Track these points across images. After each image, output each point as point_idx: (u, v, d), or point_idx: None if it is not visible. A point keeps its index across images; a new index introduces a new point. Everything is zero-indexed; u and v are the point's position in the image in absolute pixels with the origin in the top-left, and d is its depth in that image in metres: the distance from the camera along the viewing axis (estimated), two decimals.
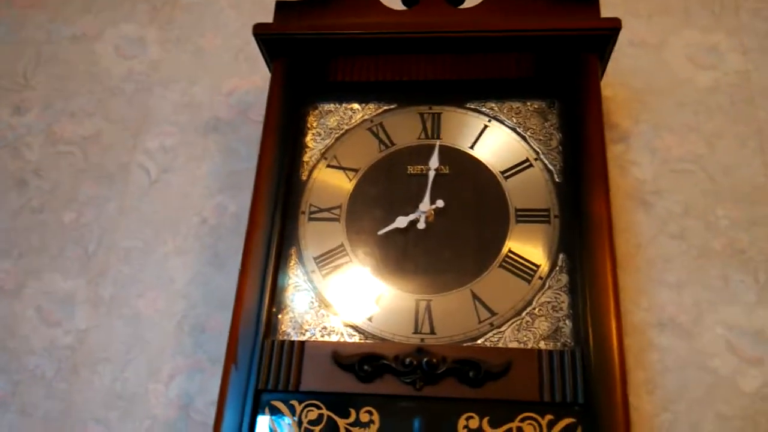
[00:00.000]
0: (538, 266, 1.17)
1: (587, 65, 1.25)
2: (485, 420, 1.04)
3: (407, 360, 1.07)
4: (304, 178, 1.29)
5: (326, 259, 1.22)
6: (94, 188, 1.56)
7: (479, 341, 1.12)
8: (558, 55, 1.27)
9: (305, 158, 1.31)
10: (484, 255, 1.18)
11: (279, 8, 1.35)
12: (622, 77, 1.52)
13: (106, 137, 1.62)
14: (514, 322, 1.13)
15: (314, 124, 1.34)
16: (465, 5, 1.33)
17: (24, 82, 1.72)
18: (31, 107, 1.68)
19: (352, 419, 1.06)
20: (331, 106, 1.35)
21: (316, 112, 1.35)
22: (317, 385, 1.08)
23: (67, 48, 1.75)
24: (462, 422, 1.04)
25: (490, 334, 1.12)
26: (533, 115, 1.29)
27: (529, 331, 1.12)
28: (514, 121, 1.29)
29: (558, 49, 1.26)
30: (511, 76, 1.28)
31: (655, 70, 1.53)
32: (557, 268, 1.16)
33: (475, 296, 1.15)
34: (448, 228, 1.21)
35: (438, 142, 1.28)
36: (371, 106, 1.34)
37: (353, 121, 1.34)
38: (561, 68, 1.27)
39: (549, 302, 1.14)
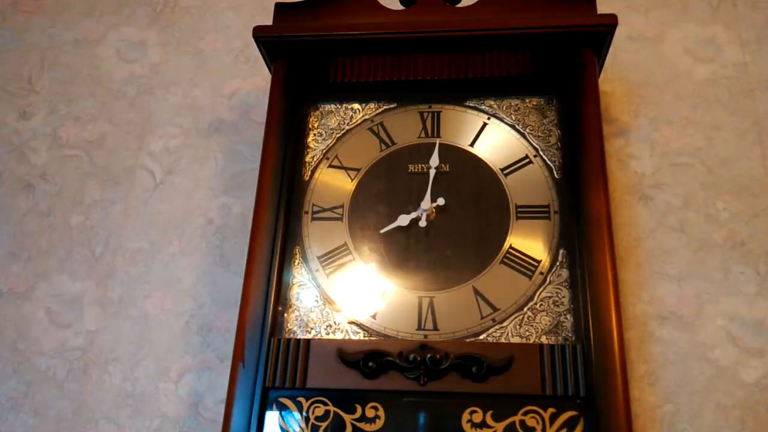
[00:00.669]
0: (538, 262, 1.18)
1: (584, 61, 1.26)
2: (489, 414, 1.06)
3: (411, 356, 1.09)
4: (306, 178, 1.31)
5: (330, 257, 1.24)
6: (100, 191, 1.58)
7: (482, 337, 1.13)
8: (555, 52, 1.28)
9: (307, 158, 1.33)
10: (486, 251, 1.20)
11: (278, 10, 1.37)
12: (620, 72, 1.53)
13: (110, 140, 1.64)
14: (515, 318, 1.14)
15: (315, 125, 1.36)
16: (462, 4, 1.34)
17: (29, 86, 1.74)
18: (36, 112, 1.70)
19: (358, 415, 1.09)
20: (332, 107, 1.37)
21: (317, 112, 1.37)
22: (323, 381, 1.10)
23: (70, 52, 1.77)
24: (466, 416, 1.06)
25: (492, 329, 1.14)
26: (532, 112, 1.30)
27: (531, 326, 1.14)
28: (513, 118, 1.30)
29: (555, 46, 1.28)
30: (510, 74, 1.29)
31: (654, 64, 1.54)
32: (558, 264, 1.18)
33: (477, 292, 1.17)
34: (449, 225, 1.23)
35: (438, 141, 1.29)
36: (371, 105, 1.36)
37: (354, 121, 1.35)
38: (559, 65, 1.28)
39: (550, 297, 1.15)
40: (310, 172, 1.31)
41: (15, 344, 1.45)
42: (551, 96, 1.31)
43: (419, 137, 1.32)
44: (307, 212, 1.28)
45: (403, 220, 1.23)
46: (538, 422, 1.05)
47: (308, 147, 1.34)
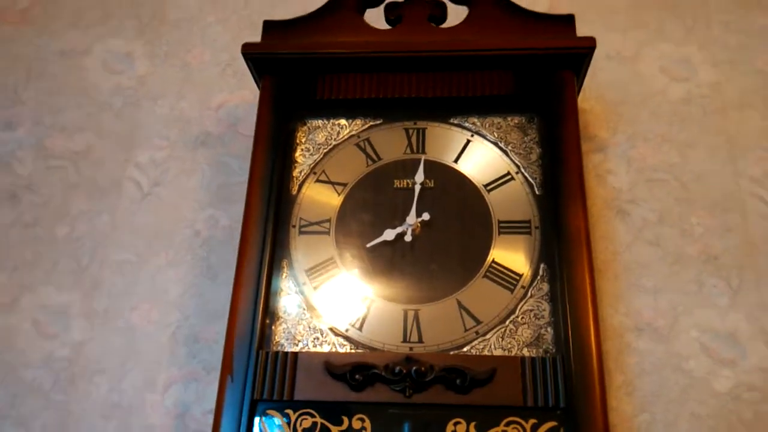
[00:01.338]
0: (520, 276, 1.22)
1: (564, 82, 1.31)
2: (472, 425, 1.09)
3: (397, 368, 1.11)
4: (294, 192, 1.33)
5: (317, 271, 1.26)
6: (86, 202, 1.59)
7: (465, 349, 1.17)
8: (536, 73, 1.32)
9: (295, 173, 1.35)
10: (469, 265, 1.23)
11: (266, 27, 1.39)
12: (599, 90, 1.58)
13: (96, 152, 1.65)
14: (498, 330, 1.18)
15: (303, 140, 1.38)
16: (446, 24, 1.38)
17: (14, 96, 1.74)
18: (21, 122, 1.70)
19: (345, 426, 1.11)
20: (319, 122, 1.40)
21: (305, 128, 1.39)
22: (311, 394, 1.13)
23: (56, 63, 1.77)
24: (450, 427, 1.09)
25: (475, 341, 1.17)
26: (514, 130, 1.34)
27: (513, 338, 1.17)
28: (496, 135, 1.34)
29: (536, 67, 1.32)
30: (492, 93, 1.32)
31: (631, 83, 1.59)
32: (539, 278, 1.21)
33: (460, 305, 1.20)
34: (434, 240, 1.26)
35: (423, 157, 1.33)
36: (358, 121, 1.39)
37: (341, 136, 1.38)
38: (539, 85, 1.32)
39: (531, 310, 1.19)
40: (297, 186, 1.34)
41: (1, 355, 1.45)
42: (532, 115, 1.35)
43: (405, 153, 1.35)
44: (294, 226, 1.30)
45: (389, 234, 1.26)
46: None
47: (296, 162, 1.36)
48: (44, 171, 1.64)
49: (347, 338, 1.20)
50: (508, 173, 1.31)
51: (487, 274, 1.22)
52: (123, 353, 1.43)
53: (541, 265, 1.22)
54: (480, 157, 1.33)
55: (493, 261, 1.23)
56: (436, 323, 1.19)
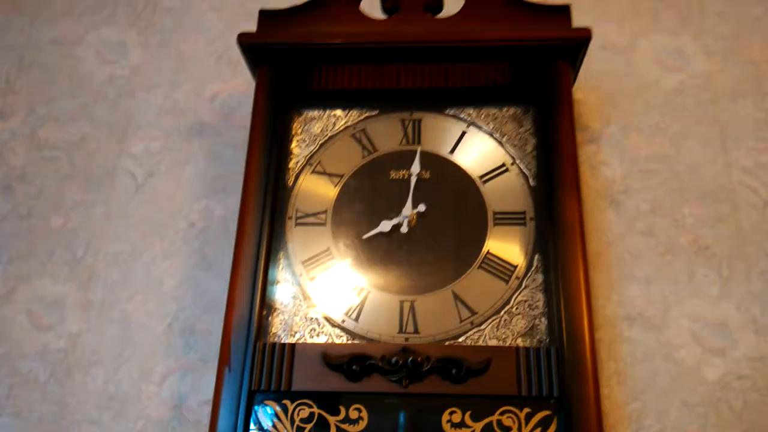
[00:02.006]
0: (515, 267, 1.23)
1: (559, 73, 1.31)
2: (467, 414, 1.11)
3: (393, 359, 1.12)
4: (290, 183, 1.33)
5: (313, 262, 1.27)
6: (80, 193, 1.59)
7: (461, 339, 1.18)
8: (532, 64, 1.33)
9: (291, 164, 1.35)
10: (465, 257, 1.24)
11: (262, 17, 1.39)
12: (593, 80, 1.58)
13: (90, 142, 1.64)
14: (493, 321, 1.19)
15: (299, 131, 1.38)
16: (443, 15, 1.38)
17: (6, 86, 1.72)
18: (14, 112, 1.69)
19: (341, 416, 1.12)
20: (315, 113, 1.40)
21: (301, 118, 1.39)
22: (308, 385, 1.14)
23: (49, 52, 1.76)
24: (446, 417, 1.11)
25: (471, 332, 1.19)
26: (509, 121, 1.35)
27: (507, 328, 1.18)
28: (491, 126, 1.35)
29: (532, 57, 1.32)
30: (488, 84, 1.33)
31: (625, 73, 1.59)
32: (533, 268, 1.23)
33: (456, 296, 1.21)
34: (429, 231, 1.27)
35: (419, 148, 1.33)
36: (354, 112, 1.39)
37: (337, 127, 1.38)
38: (535, 76, 1.32)
39: (526, 301, 1.20)
40: (293, 177, 1.34)
41: None
42: (528, 105, 1.35)
43: (401, 144, 1.35)
44: (290, 217, 1.30)
45: (385, 226, 1.27)
46: (514, 422, 1.10)
47: (292, 153, 1.36)
48: (38, 161, 1.63)
49: (344, 329, 1.21)
50: (504, 164, 1.31)
51: (482, 265, 1.23)
52: (119, 344, 1.43)
53: (536, 256, 1.23)
54: (475, 148, 1.33)
55: (488, 252, 1.24)
56: (432, 314, 1.20)
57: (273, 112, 1.34)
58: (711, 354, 1.33)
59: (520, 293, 1.21)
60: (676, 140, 1.51)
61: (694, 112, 1.54)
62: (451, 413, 1.11)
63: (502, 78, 1.33)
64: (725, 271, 1.39)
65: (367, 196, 1.31)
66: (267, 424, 1.12)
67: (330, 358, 1.14)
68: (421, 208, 1.27)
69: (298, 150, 1.37)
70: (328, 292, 1.24)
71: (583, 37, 1.29)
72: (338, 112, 1.39)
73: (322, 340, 1.20)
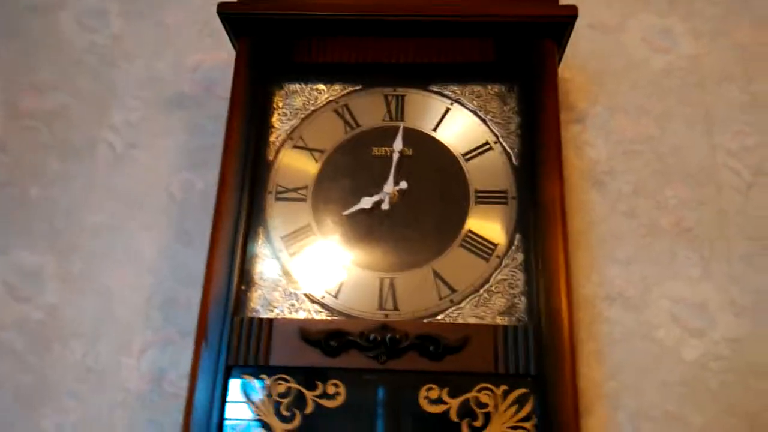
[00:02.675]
0: (495, 245, 1.23)
1: (545, 51, 1.30)
2: (444, 391, 1.11)
3: (372, 336, 1.12)
4: (270, 158, 1.32)
5: (293, 238, 1.26)
6: (59, 163, 1.56)
7: (440, 317, 1.18)
8: (517, 41, 1.31)
9: (272, 138, 1.33)
10: (445, 234, 1.24)
11: None
12: (581, 59, 1.56)
13: (70, 112, 1.61)
14: (472, 299, 1.19)
15: (280, 105, 1.36)
16: None
17: None
18: None
19: (319, 392, 1.12)
20: (297, 87, 1.37)
21: (282, 92, 1.37)
22: (286, 360, 1.13)
23: (28, 19, 1.71)
24: (423, 393, 1.11)
25: (450, 310, 1.18)
26: (493, 99, 1.34)
27: (487, 306, 1.18)
28: (475, 104, 1.33)
29: (517, 34, 1.30)
30: (473, 60, 1.31)
31: (612, 53, 1.58)
32: (513, 247, 1.22)
33: (436, 274, 1.21)
34: (411, 208, 1.26)
35: (402, 124, 1.32)
36: (336, 87, 1.37)
37: (319, 102, 1.36)
38: (520, 53, 1.31)
39: (505, 280, 1.20)
40: (274, 152, 1.32)
41: None
42: (512, 83, 1.34)
43: (384, 120, 1.34)
44: (270, 192, 1.29)
45: (366, 202, 1.26)
46: (491, 399, 1.10)
47: (273, 127, 1.34)
48: (17, 131, 1.60)
49: (323, 305, 1.20)
50: (487, 143, 1.30)
51: (463, 243, 1.23)
52: (98, 317, 1.42)
53: (517, 236, 1.23)
54: (459, 125, 1.32)
55: (469, 230, 1.24)
56: (412, 291, 1.20)
57: (253, 84, 1.32)
58: (690, 334, 1.34)
59: (500, 272, 1.21)
60: (661, 122, 1.51)
61: (679, 94, 1.53)
62: (429, 389, 1.11)
63: (487, 55, 1.32)
64: (707, 252, 1.40)
65: (348, 172, 1.30)
66: (244, 398, 1.12)
67: (308, 334, 1.14)
68: (403, 185, 1.26)
69: (279, 124, 1.35)
70: (308, 268, 1.23)
71: (570, 15, 1.27)
72: (320, 86, 1.37)
73: (301, 315, 1.20)
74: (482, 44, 1.32)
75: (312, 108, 1.36)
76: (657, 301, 1.37)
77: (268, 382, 1.13)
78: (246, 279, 1.22)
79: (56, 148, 1.58)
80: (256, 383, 1.13)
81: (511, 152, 1.29)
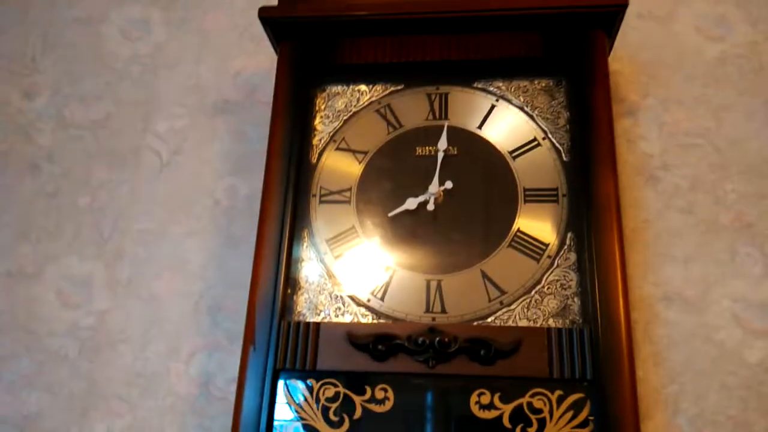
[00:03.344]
0: (546, 245, 1.19)
1: (594, 42, 1.25)
2: (496, 396, 1.08)
3: (420, 339, 1.10)
4: (313, 161, 1.31)
5: (338, 240, 1.24)
6: (106, 172, 1.58)
7: (489, 319, 1.14)
8: (565, 33, 1.26)
9: (314, 141, 1.32)
10: (493, 235, 1.20)
11: None
12: (629, 50, 1.51)
13: (115, 121, 1.63)
14: (523, 301, 1.15)
15: (322, 107, 1.35)
16: None
17: (32, 65, 1.72)
18: (40, 91, 1.69)
19: (367, 396, 1.10)
20: (339, 88, 1.36)
21: (324, 94, 1.36)
22: (333, 364, 1.12)
23: (73, 31, 1.75)
24: (474, 398, 1.08)
25: (500, 312, 1.15)
26: (540, 94, 1.30)
27: (539, 309, 1.15)
28: (522, 100, 1.30)
29: (565, 26, 1.26)
30: (518, 55, 1.28)
31: (663, 43, 1.52)
32: (566, 247, 1.18)
33: (484, 275, 1.18)
34: (457, 209, 1.23)
35: (446, 123, 1.29)
36: (378, 87, 1.35)
37: (361, 103, 1.34)
38: (568, 46, 1.26)
39: (558, 280, 1.16)
40: (317, 154, 1.31)
41: (26, 324, 1.47)
42: (560, 77, 1.30)
43: (427, 119, 1.31)
44: (314, 195, 1.28)
45: (411, 203, 1.23)
46: (545, 404, 1.06)
47: (315, 129, 1.33)
48: (64, 141, 1.63)
49: (369, 308, 1.18)
50: (535, 139, 1.26)
51: (512, 243, 1.19)
52: (146, 322, 1.43)
53: (569, 234, 1.19)
54: (505, 122, 1.29)
55: (519, 230, 1.20)
56: (460, 293, 1.17)
57: (295, 88, 1.31)
58: (753, 336, 1.28)
59: (551, 272, 1.17)
60: (719, 113, 1.44)
61: (737, 83, 1.46)
62: (480, 395, 1.08)
63: (534, 49, 1.28)
64: None
65: (392, 173, 1.28)
66: (293, 402, 1.11)
67: (355, 338, 1.12)
68: (449, 185, 1.23)
69: (322, 126, 1.33)
70: (354, 271, 1.22)
71: (620, 5, 1.22)
72: (362, 86, 1.35)
73: (347, 319, 1.18)
74: (528, 38, 1.28)
75: (354, 109, 1.34)
76: (717, 301, 1.31)
77: (316, 386, 1.11)
78: (292, 282, 1.21)
79: (102, 157, 1.60)
80: (303, 387, 1.12)
81: (561, 148, 1.25)
